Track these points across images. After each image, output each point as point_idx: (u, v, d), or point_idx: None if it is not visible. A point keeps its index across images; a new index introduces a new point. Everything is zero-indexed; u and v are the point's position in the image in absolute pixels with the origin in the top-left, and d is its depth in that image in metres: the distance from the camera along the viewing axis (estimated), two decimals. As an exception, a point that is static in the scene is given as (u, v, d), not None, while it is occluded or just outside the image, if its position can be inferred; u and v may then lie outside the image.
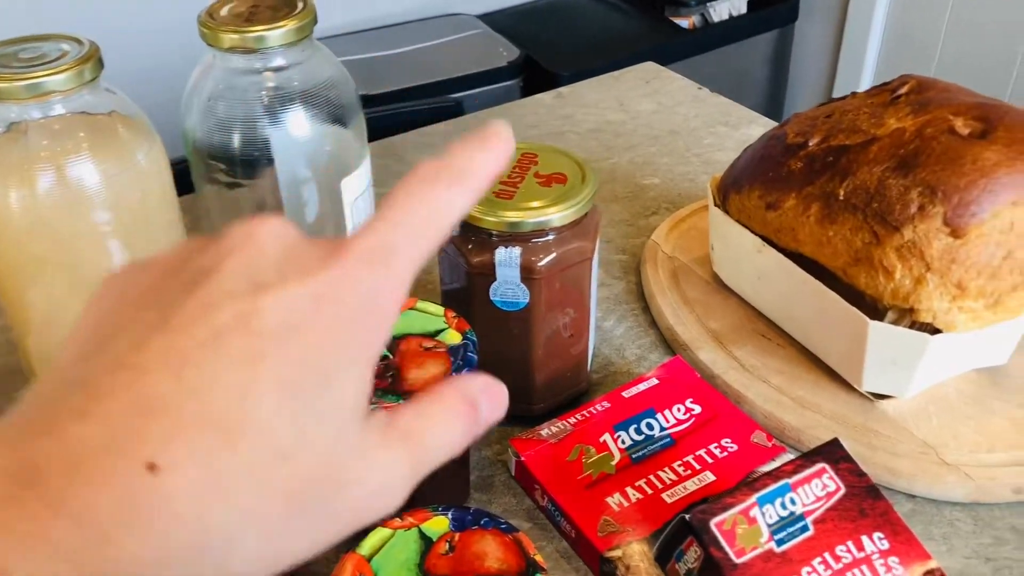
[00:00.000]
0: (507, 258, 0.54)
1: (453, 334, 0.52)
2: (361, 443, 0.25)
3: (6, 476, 0.21)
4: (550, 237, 0.55)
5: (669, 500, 0.53)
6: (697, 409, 0.59)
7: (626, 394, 0.60)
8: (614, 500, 0.53)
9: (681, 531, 0.43)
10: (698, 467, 0.55)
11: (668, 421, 0.58)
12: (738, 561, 0.42)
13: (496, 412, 0.29)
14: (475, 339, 0.51)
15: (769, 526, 0.43)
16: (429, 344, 0.51)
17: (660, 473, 0.55)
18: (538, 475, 0.55)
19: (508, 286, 0.55)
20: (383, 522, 0.45)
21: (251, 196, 0.57)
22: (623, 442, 0.57)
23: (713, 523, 0.42)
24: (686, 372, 0.62)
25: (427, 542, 0.44)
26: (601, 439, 0.57)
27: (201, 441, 0.22)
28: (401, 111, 1.17)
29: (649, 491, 0.53)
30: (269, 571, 0.24)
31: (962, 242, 0.52)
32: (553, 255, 0.55)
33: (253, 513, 0.23)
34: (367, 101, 1.50)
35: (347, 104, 0.58)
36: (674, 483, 0.54)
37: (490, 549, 0.44)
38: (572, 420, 0.58)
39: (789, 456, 0.55)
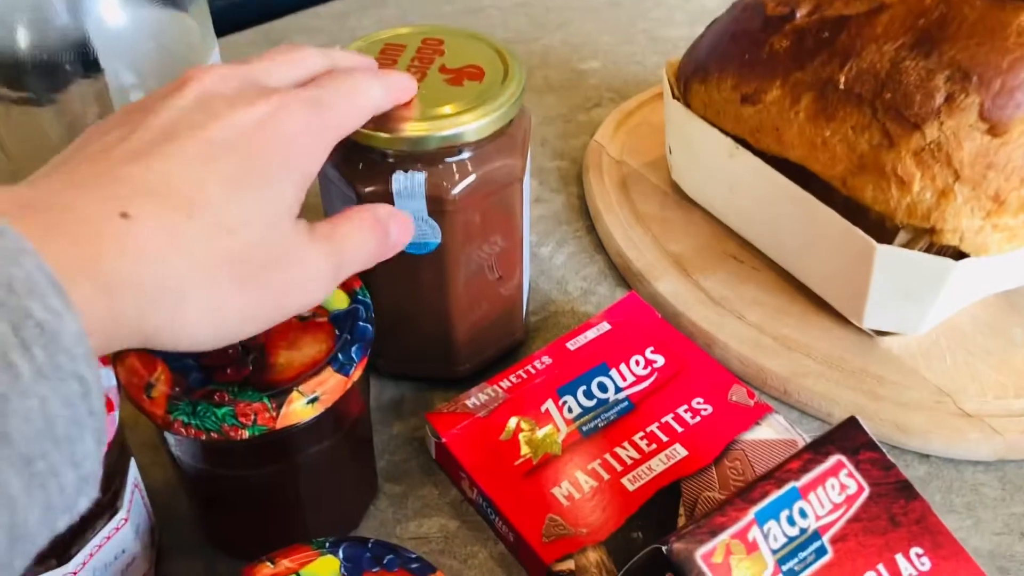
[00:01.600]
0: (408, 186, 0.40)
1: (339, 295, 0.38)
2: (293, 233, 0.30)
3: (13, 204, 0.24)
4: (465, 155, 0.41)
5: (631, 487, 0.42)
6: (659, 360, 0.47)
7: (571, 345, 0.48)
8: (562, 491, 0.41)
9: (656, 564, 0.31)
10: (665, 439, 0.44)
11: (625, 379, 0.46)
12: (735, 607, 0.30)
13: (404, 236, 0.35)
14: (368, 301, 0.38)
15: (774, 552, 0.32)
16: (305, 313, 0.37)
17: (618, 450, 0.43)
18: (464, 462, 0.43)
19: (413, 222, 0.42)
20: (247, 569, 0.33)
21: (53, 117, 0.42)
22: (570, 410, 0.45)
23: (700, 555, 0.31)
24: (644, 312, 0.49)
25: (310, 595, 0.32)
26: (543, 408, 0.45)
27: (162, 205, 0.27)
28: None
29: (606, 476, 0.42)
30: (215, 335, 0.28)
31: (1002, 141, 0.40)
32: (471, 179, 0.41)
33: (204, 269, 0.27)
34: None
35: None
36: (636, 463, 0.43)
37: (397, 601, 0.32)
38: (505, 384, 0.46)
39: (778, 418, 0.44)
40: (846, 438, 0.34)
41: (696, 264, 0.53)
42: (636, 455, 0.43)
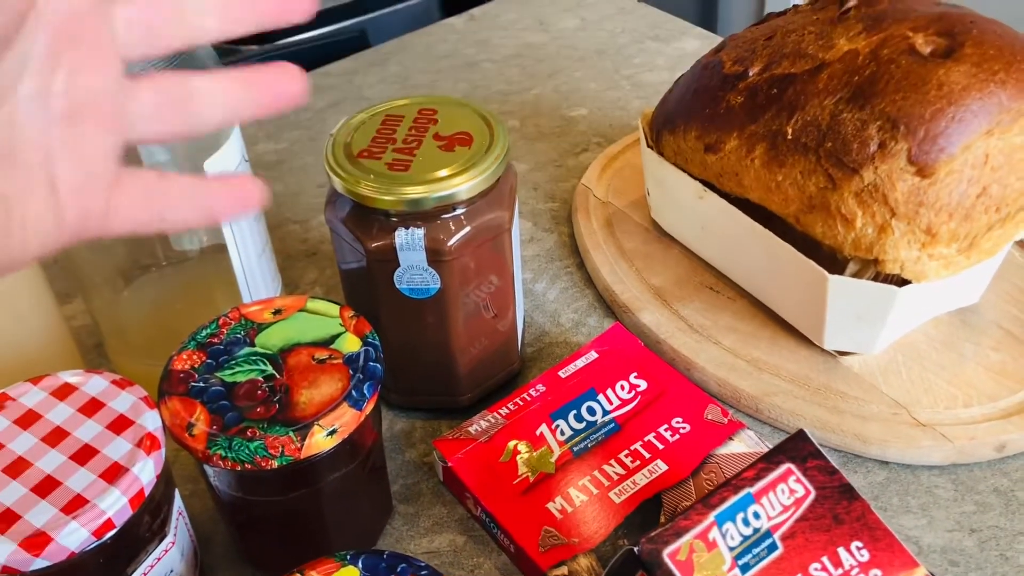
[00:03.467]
0: (409, 241, 0.46)
1: (351, 339, 0.44)
2: None
3: None
4: (459, 212, 0.47)
5: (617, 500, 0.47)
6: (643, 385, 0.52)
7: (563, 373, 0.53)
8: (555, 506, 0.47)
9: (629, 564, 0.36)
10: (648, 455, 0.49)
11: (611, 403, 0.51)
12: (698, 598, 0.35)
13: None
14: (378, 343, 0.44)
15: (731, 549, 0.37)
16: (322, 355, 0.43)
17: (606, 467, 0.48)
18: (468, 483, 0.48)
19: (415, 272, 0.47)
20: (281, 582, 0.38)
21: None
22: (562, 433, 0.50)
23: (666, 554, 0.36)
24: (628, 341, 0.55)
25: (335, 602, 0.37)
26: (537, 432, 0.50)
27: None
28: (298, 48, 1.06)
29: (595, 491, 0.47)
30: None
31: (930, 182, 0.45)
32: (464, 231, 0.47)
33: None
34: (254, 39, 1.36)
35: (201, 60, 0.48)
36: (622, 478, 0.48)
37: (409, 604, 0.37)
38: (503, 411, 0.51)
39: (749, 433, 0.49)
40: (795, 448, 0.40)
41: (676, 295, 0.59)
42: (622, 471, 0.48)
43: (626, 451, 0.49)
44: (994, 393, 0.51)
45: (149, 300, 0.55)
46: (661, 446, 0.49)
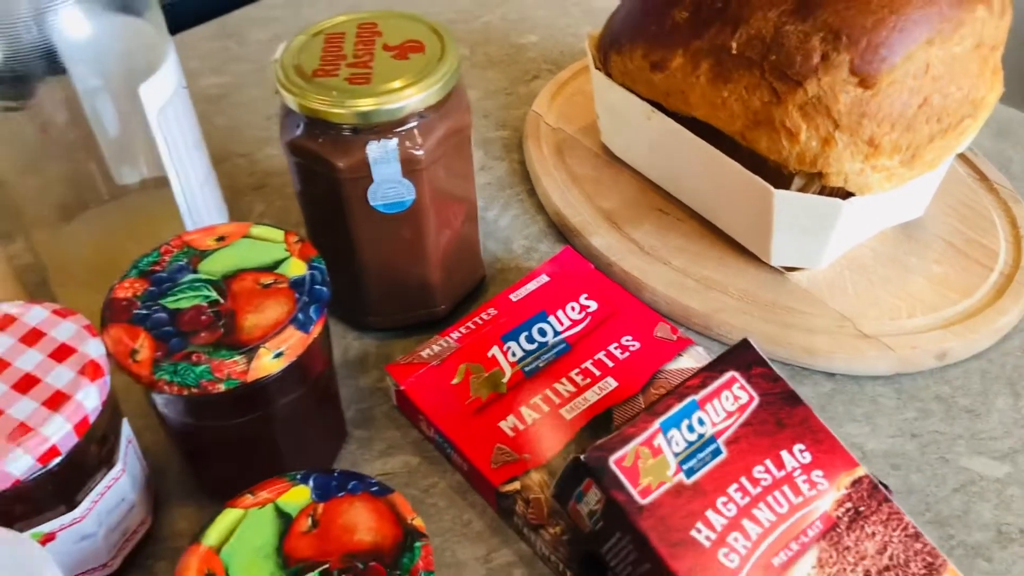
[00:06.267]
0: (383, 154, 0.45)
1: (296, 263, 0.43)
2: None
3: None
4: (425, 118, 0.46)
5: (568, 416, 0.47)
6: (593, 306, 0.52)
7: (514, 297, 0.53)
8: (508, 424, 0.47)
9: (577, 472, 0.37)
10: (598, 373, 0.49)
11: (562, 324, 0.52)
12: (643, 502, 0.36)
13: None
14: (323, 267, 0.43)
15: (676, 455, 0.37)
16: (267, 280, 0.42)
17: (557, 386, 0.49)
18: (421, 405, 0.48)
19: (389, 185, 0.47)
20: (231, 501, 0.38)
21: (31, 119, 0.47)
22: (513, 354, 0.50)
23: (612, 461, 0.37)
24: (579, 264, 0.55)
25: (286, 520, 0.37)
26: (489, 354, 0.50)
27: None
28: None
29: (546, 408, 0.48)
30: None
31: (872, 92, 0.45)
32: (435, 136, 0.46)
33: None
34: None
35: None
36: (573, 395, 0.48)
37: (361, 519, 0.37)
38: (455, 335, 0.51)
39: (698, 349, 0.50)
40: (739, 357, 0.40)
41: (626, 218, 0.59)
42: (573, 389, 0.48)
43: (577, 370, 0.49)
44: (936, 304, 0.52)
45: (92, 234, 0.54)
46: (611, 364, 0.49)
